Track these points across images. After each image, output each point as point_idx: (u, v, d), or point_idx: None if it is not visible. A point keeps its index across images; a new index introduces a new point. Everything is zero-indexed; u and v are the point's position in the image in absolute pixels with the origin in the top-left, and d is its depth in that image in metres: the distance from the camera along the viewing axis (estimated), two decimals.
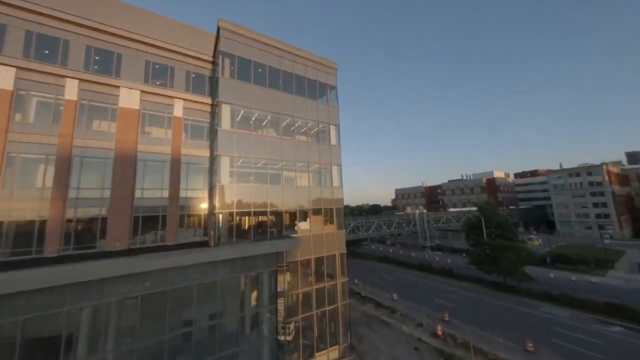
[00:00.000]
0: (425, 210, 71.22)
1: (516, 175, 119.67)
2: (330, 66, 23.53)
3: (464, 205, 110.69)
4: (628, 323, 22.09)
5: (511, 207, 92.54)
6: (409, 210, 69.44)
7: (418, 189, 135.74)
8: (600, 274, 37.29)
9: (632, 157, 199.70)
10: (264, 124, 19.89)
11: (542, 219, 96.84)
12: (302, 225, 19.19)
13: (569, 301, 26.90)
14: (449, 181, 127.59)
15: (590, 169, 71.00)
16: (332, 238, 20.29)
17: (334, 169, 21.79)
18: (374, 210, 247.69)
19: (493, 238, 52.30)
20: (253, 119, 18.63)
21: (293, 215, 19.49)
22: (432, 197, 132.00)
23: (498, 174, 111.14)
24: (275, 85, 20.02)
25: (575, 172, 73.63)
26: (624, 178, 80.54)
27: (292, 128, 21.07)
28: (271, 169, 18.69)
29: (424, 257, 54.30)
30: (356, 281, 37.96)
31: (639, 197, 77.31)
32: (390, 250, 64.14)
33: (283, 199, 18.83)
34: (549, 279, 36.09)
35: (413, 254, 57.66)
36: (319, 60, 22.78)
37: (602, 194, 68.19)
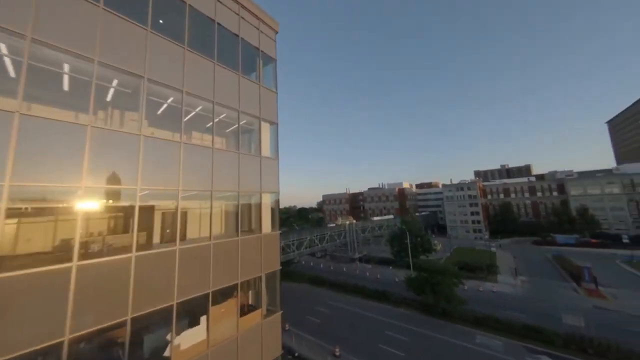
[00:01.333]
0: (354, 221, 69.65)
1: (417, 186, 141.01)
2: (270, 25, 13.61)
3: (382, 212, 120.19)
4: (551, 350, 22.15)
5: (416, 213, 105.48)
6: (339, 220, 66.17)
7: (342, 195, 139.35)
8: (494, 279, 42.18)
9: (477, 174, 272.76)
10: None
11: (435, 223, 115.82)
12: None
13: (494, 324, 26.57)
14: (369, 189, 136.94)
15: (469, 185, 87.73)
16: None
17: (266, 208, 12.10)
18: (302, 214, 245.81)
19: (414, 248, 55.07)
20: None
21: None
22: (355, 202, 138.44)
23: (406, 185, 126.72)
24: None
25: (459, 187, 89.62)
26: (484, 192, 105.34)
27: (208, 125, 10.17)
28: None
29: (356, 272, 50.80)
30: (287, 326, 28.62)
31: (493, 206, 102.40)
32: (321, 266, 58.28)
33: None
34: (463, 291, 37.48)
35: (344, 269, 53.49)
36: (256, 12, 12.57)
37: (476, 204, 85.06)
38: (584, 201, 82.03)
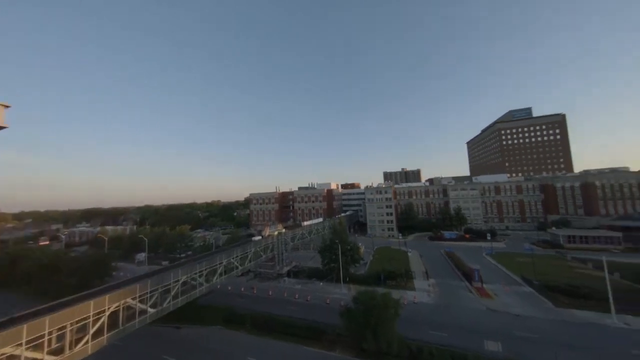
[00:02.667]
0: (283, 230, 60.72)
1: (342, 187, 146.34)
2: None
3: (311, 212, 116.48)
4: None
5: (342, 214, 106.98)
6: (267, 232, 55.67)
7: (272, 194, 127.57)
8: (411, 286, 43.11)
9: (385, 176, 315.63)
10: None
11: (356, 221, 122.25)
12: None
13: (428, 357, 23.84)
14: (300, 189, 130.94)
15: (386, 189, 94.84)
16: None
17: None
18: (226, 211, 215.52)
19: (344, 260, 51.62)
20: None
21: None
22: (285, 202, 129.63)
23: (334, 186, 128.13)
24: None
25: (378, 190, 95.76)
26: (395, 193, 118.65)
27: None
28: None
29: (283, 295, 42.20)
30: None
31: (400, 206, 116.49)
32: (242, 289, 46.44)
33: None
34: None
35: (270, 292, 43.85)
36: None
37: (390, 206, 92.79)
38: (458, 202, 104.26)
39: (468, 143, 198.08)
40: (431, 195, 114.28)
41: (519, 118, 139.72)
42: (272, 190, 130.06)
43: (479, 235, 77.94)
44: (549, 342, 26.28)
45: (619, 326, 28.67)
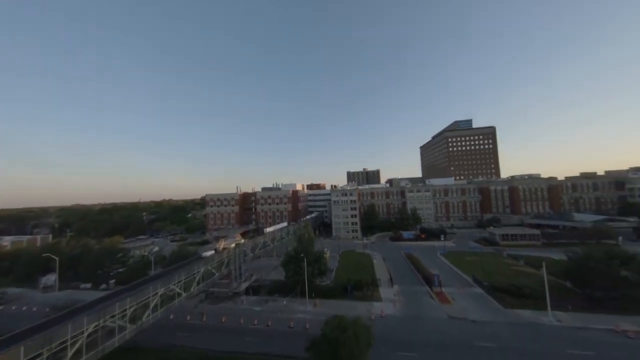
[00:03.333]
0: (242, 240, 53.50)
1: (308, 187, 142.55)
2: None
3: (275, 215, 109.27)
4: None
5: (307, 216, 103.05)
6: (222, 244, 47.90)
7: (232, 195, 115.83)
8: (377, 296, 41.77)
9: (349, 175, 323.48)
10: None
11: (321, 222, 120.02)
12: None
13: None
14: (263, 189, 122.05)
15: (351, 191, 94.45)
16: None
17: None
18: (178, 213, 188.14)
19: (310, 273, 47.32)
20: None
21: None
22: (246, 204, 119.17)
23: (299, 187, 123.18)
24: None
25: (344, 193, 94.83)
26: (359, 195, 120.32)
27: None
28: None
29: (240, 322, 35.87)
30: None
31: (363, 206, 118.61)
32: (188, 318, 38.21)
33: None
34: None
35: (223, 319, 36.92)
36: None
37: (355, 208, 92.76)
38: (414, 203, 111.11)
39: (421, 147, 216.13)
40: (391, 197, 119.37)
41: (462, 128, 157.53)
42: (233, 190, 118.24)
43: (432, 234, 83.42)
44: (503, 349, 27.05)
45: (553, 324, 31.56)
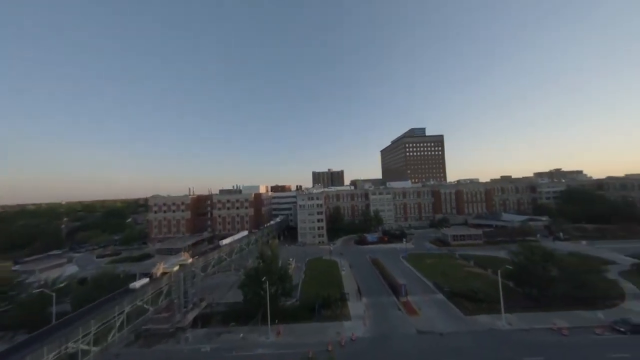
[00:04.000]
0: (190, 259, 44.30)
1: (272, 189, 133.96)
2: None
3: (235, 220, 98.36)
4: None
5: (271, 222, 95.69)
6: (160, 269, 38.13)
7: (182, 199, 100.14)
8: (346, 313, 38.98)
9: (314, 176, 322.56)
10: None
11: (286, 226, 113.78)
12: None
13: None
14: (221, 192, 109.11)
15: (317, 195, 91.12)
16: None
17: None
18: (113, 218, 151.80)
19: (273, 295, 41.38)
20: None
21: None
22: (201, 209, 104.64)
23: (262, 189, 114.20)
24: None
25: (310, 196, 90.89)
26: (325, 198, 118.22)
27: None
28: None
29: None
30: None
31: (329, 209, 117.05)
32: None
33: None
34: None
35: None
36: None
37: (321, 213, 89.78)
38: (376, 205, 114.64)
39: (382, 151, 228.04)
40: (355, 199, 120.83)
41: (418, 135, 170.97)
42: (184, 192, 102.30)
43: (394, 237, 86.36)
44: None
45: (506, 329, 33.47)
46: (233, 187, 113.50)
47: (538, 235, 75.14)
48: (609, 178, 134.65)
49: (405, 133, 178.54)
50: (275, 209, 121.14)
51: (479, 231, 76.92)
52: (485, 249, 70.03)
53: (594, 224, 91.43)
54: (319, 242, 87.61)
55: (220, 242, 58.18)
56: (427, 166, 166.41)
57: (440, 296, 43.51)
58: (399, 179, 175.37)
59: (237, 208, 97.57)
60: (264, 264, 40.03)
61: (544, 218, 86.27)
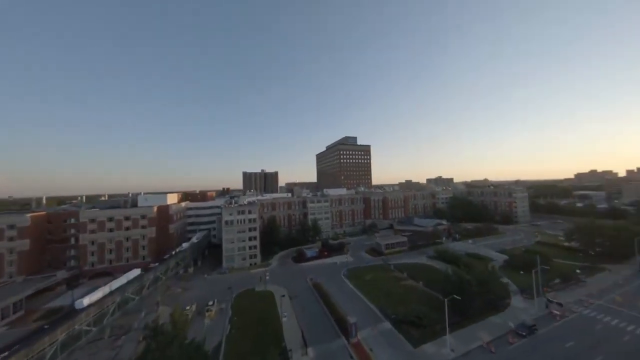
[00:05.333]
0: None
1: (187, 197, 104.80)
2: None
3: (122, 247, 67.67)
4: None
5: (183, 245, 72.17)
6: None
7: (14, 219, 60.71)
8: None
9: (245, 176, 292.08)
10: None
11: (208, 243, 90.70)
12: None
13: None
14: (95, 207, 74.12)
15: (250, 208, 75.87)
16: None
17: None
18: None
19: None
20: None
21: None
22: (56, 232, 66.66)
23: (172, 200, 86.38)
24: None
25: (240, 210, 74.55)
26: (261, 208, 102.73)
27: None
28: None
29: None
30: None
31: (263, 220, 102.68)
32: None
33: None
34: None
35: None
36: None
37: (255, 229, 75.29)
38: (314, 214, 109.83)
39: (317, 155, 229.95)
40: (293, 207, 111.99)
41: (350, 143, 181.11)
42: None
43: (333, 249, 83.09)
44: None
45: (452, 357, 33.17)
46: (129, 196, 79.86)
47: (443, 238, 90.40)
48: (470, 186, 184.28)
49: (340, 140, 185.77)
50: (192, 224, 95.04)
51: (404, 238, 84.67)
52: (410, 255, 77.01)
53: (471, 222, 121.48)
54: (251, 265, 72.91)
55: (79, 302, 35.19)
56: (357, 172, 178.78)
57: (387, 325, 40.81)
58: (334, 184, 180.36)
59: (127, 229, 67.97)
60: (156, 347, 24.37)
61: (444, 222, 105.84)
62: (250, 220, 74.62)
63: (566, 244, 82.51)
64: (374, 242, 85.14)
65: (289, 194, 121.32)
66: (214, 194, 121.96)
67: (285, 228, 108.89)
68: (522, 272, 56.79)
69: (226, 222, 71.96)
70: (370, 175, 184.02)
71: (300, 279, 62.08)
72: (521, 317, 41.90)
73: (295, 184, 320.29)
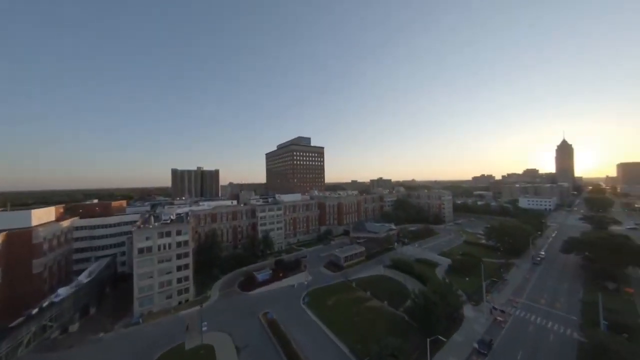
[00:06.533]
0: None
1: (77, 212, 72.40)
2: None
3: None
4: None
5: (59, 293, 47.28)
6: None
7: None
8: None
9: (174, 174, 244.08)
10: None
11: (110, 278, 64.79)
12: None
13: None
14: None
15: (180, 227, 57.35)
16: None
17: None
18: None
19: None
20: None
21: None
22: None
23: (45, 215, 56.89)
24: None
25: (163, 232, 55.12)
26: (196, 221, 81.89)
27: None
28: None
29: None
30: None
31: (199, 235, 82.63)
32: None
33: None
34: None
35: None
36: None
37: (187, 254, 57.46)
38: (266, 224, 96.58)
39: (267, 154, 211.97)
40: (239, 218, 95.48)
41: (304, 144, 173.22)
42: None
43: (288, 267, 73.45)
44: None
45: None
46: None
47: (395, 244, 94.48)
48: (409, 189, 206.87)
49: (293, 140, 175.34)
50: (84, 250, 66.37)
51: (362, 248, 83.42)
52: (368, 265, 75.89)
53: (413, 223, 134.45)
54: (180, 304, 55.11)
55: None
56: (311, 175, 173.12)
57: None
58: (285, 186, 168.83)
59: None
60: None
61: (393, 226, 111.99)
62: (179, 244, 56.27)
63: (483, 241, 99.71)
64: (333, 255, 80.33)
65: (234, 202, 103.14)
66: (124, 203, 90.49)
67: (229, 243, 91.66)
68: (467, 279, 62.32)
69: (140, 251, 51.55)
70: (323, 178, 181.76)
71: (251, 316, 50.03)
72: (476, 329, 44.05)
73: (241, 185, 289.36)
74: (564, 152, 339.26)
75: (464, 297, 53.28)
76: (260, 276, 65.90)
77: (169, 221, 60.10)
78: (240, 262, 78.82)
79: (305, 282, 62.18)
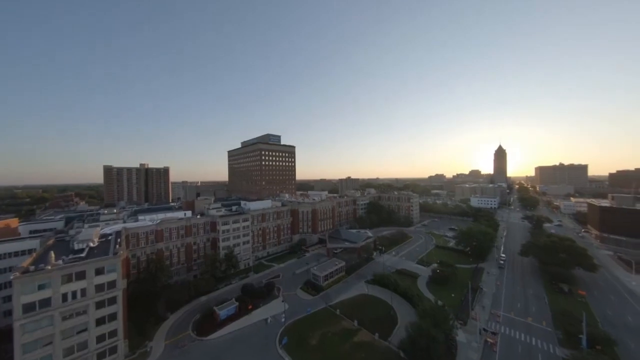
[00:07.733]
0: None
1: None
2: None
3: None
4: None
5: None
6: None
7: None
8: None
9: (107, 172, 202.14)
10: None
11: None
12: None
13: None
14: None
15: (99, 263, 40.90)
16: None
17: None
18: None
19: None
20: None
21: None
22: None
23: None
24: None
25: (77, 273, 38.33)
26: (130, 241, 63.05)
27: None
28: None
29: None
30: None
31: (138, 261, 64.49)
32: None
33: None
34: None
35: None
36: None
37: (113, 300, 41.54)
38: (229, 239, 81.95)
39: (229, 152, 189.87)
40: (194, 233, 79.02)
41: (273, 142, 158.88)
42: None
43: (258, 294, 62.19)
44: None
45: None
46: None
47: (374, 253, 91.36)
48: (380, 190, 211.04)
49: (260, 138, 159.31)
50: None
51: (342, 262, 77.30)
52: (350, 282, 70.36)
53: (385, 226, 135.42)
54: None
55: None
56: (281, 177, 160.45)
57: None
58: (252, 187, 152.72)
59: None
60: None
61: (368, 232, 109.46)
62: (100, 288, 40.04)
63: (451, 244, 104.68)
64: (311, 273, 72.02)
65: (187, 213, 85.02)
66: (14, 222, 64.14)
67: (181, 265, 75.00)
68: (453, 295, 61.26)
69: (28, 308, 34.15)
70: (294, 180, 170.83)
71: None
72: (471, 357, 41.60)
73: (198, 186, 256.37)
74: (500, 155, 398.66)
75: (453, 318, 51.30)
76: (222, 312, 53.32)
77: (84, 252, 42.77)
78: (196, 289, 64.05)
79: (283, 316, 52.43)
